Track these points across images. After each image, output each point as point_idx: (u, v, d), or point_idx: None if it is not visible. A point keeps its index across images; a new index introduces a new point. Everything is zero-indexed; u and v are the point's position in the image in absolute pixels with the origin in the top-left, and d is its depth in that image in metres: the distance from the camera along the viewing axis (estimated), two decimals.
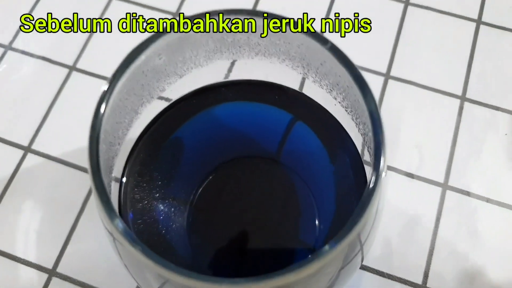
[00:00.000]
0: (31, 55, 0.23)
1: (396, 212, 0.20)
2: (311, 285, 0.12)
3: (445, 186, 0.20)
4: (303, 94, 0.17)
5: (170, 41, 0.12)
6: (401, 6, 0.23)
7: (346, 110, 0.16)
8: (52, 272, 0.19)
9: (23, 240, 0.20)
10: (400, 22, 0.23)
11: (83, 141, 0.21)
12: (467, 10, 0.23)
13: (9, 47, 0.23)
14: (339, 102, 0.16)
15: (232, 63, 0.17)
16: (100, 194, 0.10)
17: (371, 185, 0.10)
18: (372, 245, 0.19)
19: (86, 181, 0.20)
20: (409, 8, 0.23)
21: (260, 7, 0.23)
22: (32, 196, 0.20)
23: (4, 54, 0.23)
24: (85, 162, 0.21)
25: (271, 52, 0.15)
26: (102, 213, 0.10)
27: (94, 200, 0.12)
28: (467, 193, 0.20)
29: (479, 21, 0.23)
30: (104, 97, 0.11)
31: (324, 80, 0.15)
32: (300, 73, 0.16)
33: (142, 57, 0.12)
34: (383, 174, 0.13)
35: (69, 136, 0.21)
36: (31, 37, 0.23)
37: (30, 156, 0.21)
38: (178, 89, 0.17)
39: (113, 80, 0.11)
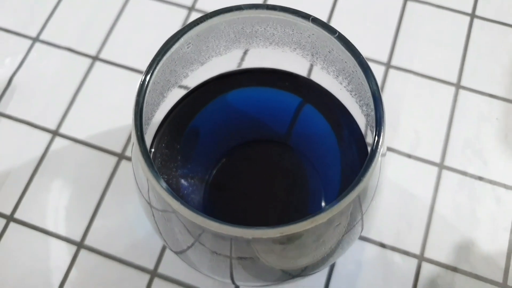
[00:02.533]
0: (57, 46, 0.24)
1: (396, 189, 0.21)
2: (318, 245, 0.14)
3: (441, 166, 0.22)
4: (311, 80, 0.19)
5: (200, 31, 0.14)
6: (401, 1, 0.25)
7: (351, 94, 0.17)
8: (80, 244, 0.21)
9: (53, 215, 0.21)
10: (400, 16, 0.25)
11: (107, 125, 0.23)
12: (462, 5, 0.24)
13: (36, 39, 0.25)
14: (345, 87, 0.17)
15: (245, 53, 0.19)
16: (146, 159, 0.12)
17: (373, 149, 0.12)
18: (372, 216, 0.21)
19: (109, 162, 0.22)
20: (408, 3, 0.25)
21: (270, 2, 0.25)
22: (60, 176, 0.22)
23: (32, 45, 0.24)
24: (108, 144, 0.22)
25: (284, 42, 0.17)
26: (148, 173, 0.12)
27: (138, 164, 0.13)
28: (461, 172, 0.22)
29: (473, 15, 0.24)
30: (145, 79, 0.13)
31: (331, 66, 0.17)
32: (309, 60, 0.18)
33: (176, 46, 0.13)
34: (383, 148, 0.14)
35: (94, 121, 0.23)
36: (56, 29, 0.25)
37: (57, 139, 0.23)
38: (199, 75, 0.19)
39: (153, 64, 0.13)
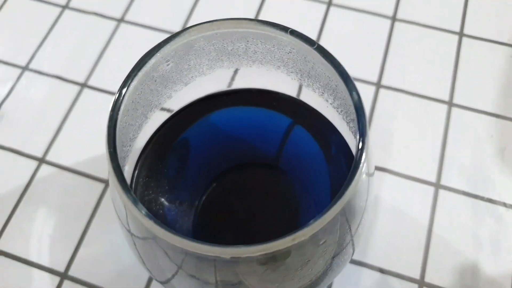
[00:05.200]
0: (46, 74, 0.24)
1: (391, 211, 0.21)
2: (303, 266, 0.13)
3: (437, 186, 0.21)
4: (299, 99, 0.19)
5: (177, 47, 0.14)
6: (388, 22, 0.25)
7: (337, 111, 0.17)
8: (64, 275, 0.20)
9: (36, 245, 0.21)
10: (388, 36, 0.25)
11: (94, 151, 0.22)
12: (450, 24, 0.25)
13: (26, 68, 0.25)
14: (331, 104, 0.17)
15: (233, 76, 0.19)
16: (118, 175, 0.12)
17: (357, 160, 0.12)
18: (365, 238, 0.20)
19: (96, 189, 0.22)
20: (396, 23, 0.25)
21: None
22: (46, 203, 0.21)
23: (21, 74, 0.24)
24: (95, 171, 0.22)
25: (267, 59, 0.17)
26: (122, 195, 0.12)
27: (110, 182, 0.13)
28: (459, 192, 0.21)
29: (461, 34, 0.24)
30: (120, 93, 0.12)
31: (316, 83, 0.17)
32: (294, 78, 0.17)
33: (153, 61, 0.13)
34: (370, 167, 0.14)
35: (81, 147, 0.23)
36: (46, 58, 0.25)
37: (44, 166, 0.22)
38: (183, 97, 0.18)
39: (128, 79, 0.13)
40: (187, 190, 0.19)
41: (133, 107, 0.15)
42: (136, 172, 0.18)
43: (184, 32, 0.13)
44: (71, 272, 0.20)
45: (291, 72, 0.17)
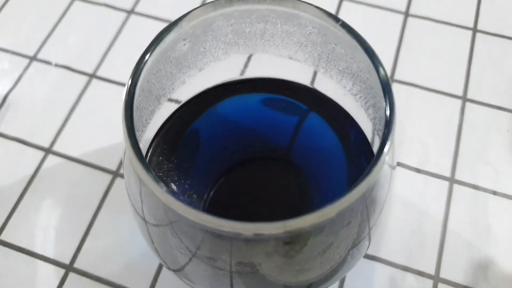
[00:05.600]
0: (55, 64, 0.24)
1: (406, 205, 0.20)
2: (326, 249, 0.12)
3: (452, 180, 0.21)
4: (314, 88, 0.19)
5: (196, 24, 0.13)
6: (401, 16, 0.25)
7: (355, 97, 0.17)
8: (69, 267, 0.19)
9: (41, 236, 0.20)
10: (401, 31, 0.24)
11: (102, 142, 0.22)
12: (463, 20, 0.24)
13: (34, 58, 0.24)
14: (349, 90, 0.17)
15: (246, 63, 0.19)
16: (136, 152, 0.11)
17: (384, 138, 0.11)
18: (381, 232, 0.19)
19: (104, 180, 0.21)
20: (409, 18, 0.25)
21: None
22: (52, 194, 0.21)
23: (29, 64, 0.24)
24: (103, 162, 0.21)
25: (285, 43, 0.16)
26: (138, 168, 0.11)
27: (126, 161, 0.12)
28: (474, 186, 0.21)
29: (474, 29, 0.24)
30: (138, 67, 0.12)
31: (334, 68, 0.16)
32: (311, 65, 0.17)
33: (171, 37, 0.13)
34: (394, 159, 0.13)
35: (89, 138, 0.22)
36: (55, 48, 0.25)
37: (50, 157, 0.22)
38: (196, 84, 0.18)
39: (145, 54, 0.12)
40: (196, 183, 0.18)
41: (148, 88, 0.15)
42: (147, 161, 0.18)
43: (204, 8, 0.13)
44: (76, 264, 0.19)
45: (308, 58, 0.17)
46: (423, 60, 0.24)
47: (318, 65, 0.17)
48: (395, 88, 0.23)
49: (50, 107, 0.23)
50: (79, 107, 0.23)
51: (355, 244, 0.14)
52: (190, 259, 0.14)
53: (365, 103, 0.16)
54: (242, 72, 0.19)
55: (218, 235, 0.12)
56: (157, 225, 0.14)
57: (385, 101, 0.12)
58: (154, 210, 0.13)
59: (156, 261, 0.19)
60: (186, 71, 0.17)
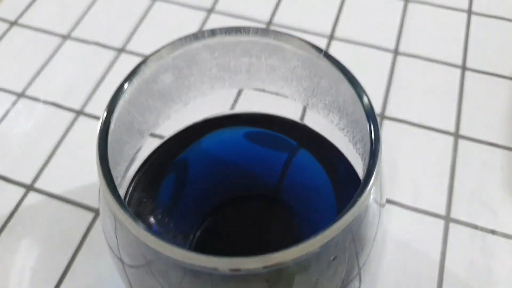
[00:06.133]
0: (43, 101, 0.24)
1: (400, 245, 0.19)
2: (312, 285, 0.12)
3: (447, 219, 0.20)
4: (303, 124, 0.18)
5: (177, 56, 0.13)
6: (390, 55, 0.25)
7: (343, 132, 0.16)
8: None
9: (16, 278, 0.19)
10: (391, 69, 0.24)
11: (86, 180, 0.21)
12: (452, 58, 0.24)
13: (22, 94, 0.24)
14: (336, 125, 0.16)
15: (235, 99, 0.18)
16: (108, 182, 0.11)
17: (370, 164, 0.11)
18: (371, 270, 0.18)
19: (85, 217, 0.20)
20: (398, 57, 0.25)
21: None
22: (31, 233, 0.20)
23: (16, 100, 0.24)
24: (85, 199, 0.21)
25: (270, 78, 0.16)
26: (109, 198, 0.10)
27: (101, 194, 0.12)
28: (471, 225, 0.20)
29: (464, 67, 0.24)
30: (116, 97, 0.12)
31: (320, 102, 0.16)
32: (298, 99, 0.17)
33: (152, 66, 0.13)
34: (383, 198, 0.13)
35: (72, 175, 0.21)
36: (43, 85, 0.24)
37: (31, 194, 0.21)
38: (182, 120, 0.18)
39: (124, 83, 0.12)
40: (180, 223, 0.17)
41: (129, 120, 0.14)
42: (127, 199, 0.17)
43: (185, 38, 0.13)
44: None
45: (294, 92, 0.16)
46: (414, 97, 0.23)
47: (304, 100, 0.16)
48: (386, 125, 0.23)
49: (35, 143, 0.22)
50: (64, 144, 0.22)
51: (344, 284, 0.13)
52: None
53: (353, 137, 0.16)
54: (232, 106, 0.19)
55: (195, 273, 0.11)
56: (134, 267, 0.13)
57: (369, 129, 0.11)
58: (128, 248, 0.12)
59: None
60: (171, 105, 0.16)
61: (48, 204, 0.21)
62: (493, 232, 0.20)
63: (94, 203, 0.21)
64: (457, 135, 0.22)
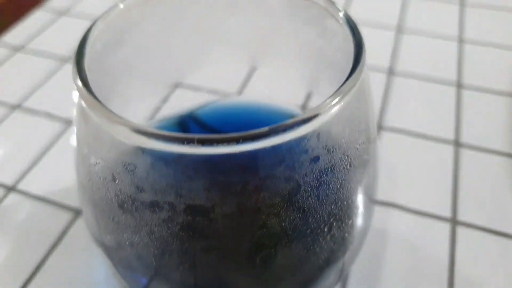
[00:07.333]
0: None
1: (408, 248, 0.18)
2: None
3: (453, 222, 0.19)
4: None
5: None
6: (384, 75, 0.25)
7: None
8: None
9: None
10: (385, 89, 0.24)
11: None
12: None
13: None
14: None
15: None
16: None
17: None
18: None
19: (64, 217, 0.19)
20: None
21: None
22: (5, 232, 0.19)
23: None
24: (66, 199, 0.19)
25: None
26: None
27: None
28: (477, 227, 0.18)
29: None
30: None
31: None
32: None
33: None
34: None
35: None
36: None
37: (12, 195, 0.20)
38: None
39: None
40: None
41: None
42: None
43: None
44: None
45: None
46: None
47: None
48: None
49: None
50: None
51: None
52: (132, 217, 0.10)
53: None
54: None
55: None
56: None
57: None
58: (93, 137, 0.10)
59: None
60: None
61: (27, 204, 0.19)
62: (498, 234, 0.18)
63: (73, 203, 0.19)
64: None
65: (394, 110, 0.23)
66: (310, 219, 0.10)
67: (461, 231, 0.18)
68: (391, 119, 0.23)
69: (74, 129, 0.12)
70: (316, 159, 0.09)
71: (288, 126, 0.08)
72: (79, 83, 0.10)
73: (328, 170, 0.09)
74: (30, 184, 0.20)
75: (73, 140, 0.11)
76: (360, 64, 0.10)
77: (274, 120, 0.08)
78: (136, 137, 0.08)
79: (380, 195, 0.19)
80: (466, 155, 0.21)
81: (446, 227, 0.19)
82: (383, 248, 0.18)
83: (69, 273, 0.17)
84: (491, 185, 0.20)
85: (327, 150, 0.09)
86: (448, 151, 0.21)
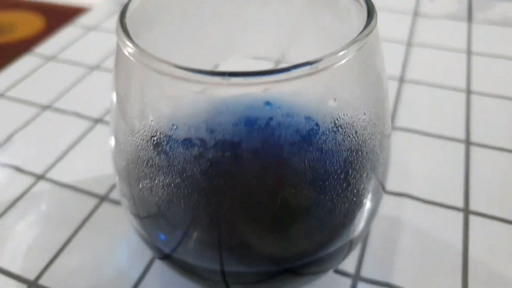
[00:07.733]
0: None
1: (422, 236, 0.18)
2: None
3: (466, 211, 0.19)
4: None
5: None
6: (396, 83, 0.26)
7: None
8: (32, 284, 0.17)
9: (11, 251, 0.18)
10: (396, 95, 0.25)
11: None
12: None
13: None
14: None
15: None
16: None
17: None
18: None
19: (89, 203, 0.20)
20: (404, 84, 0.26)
21: None
22: (33, 214, 0.20)
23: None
24: (92, 187, 0.20)
25: None
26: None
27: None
28: (490, 217, 0.19)
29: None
30: None
31: None
32: None
33: None
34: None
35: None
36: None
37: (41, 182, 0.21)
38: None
39: None
40: None
41: None
42: None
43: None
44: (42, 281, 0.17)
45: None
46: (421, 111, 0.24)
47: None
48: (395, 135, 0.23)
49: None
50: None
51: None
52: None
53: None
54: None
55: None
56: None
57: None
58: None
59: (130, 282, 0.17)
60: None
61: (55, 191, 0.21)
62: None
63: (99, 191, 0.20)
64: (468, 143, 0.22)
65: (405, 112, 0.24)
66: (327, 162, 0.11)
67: (474, 219, 0.19)
68: (403, 120, 0.24)
69: (112, 83, 0.13)
70: (333, 102, 0.10)
71: (310, 63, 0.09)
72: (120, 28, 0.11)
73: (345, 115, 0.10)
74: (58, 174, 0.21)
75: (113, 96, 0.13)
76: (374, 19, 0.11)
77: None
78: (178, 72, 0.09)
79: (394, 187, 0.20)
80: (476, 152, 0.22)
81: (459, 216, 0.19)
82: (398, 236, 0.18)
83: (92, 251, 0.18)
84: (501, 179, 0.21)
85: (344, 96, 0.10)
86: (459, 148, 0.22)
